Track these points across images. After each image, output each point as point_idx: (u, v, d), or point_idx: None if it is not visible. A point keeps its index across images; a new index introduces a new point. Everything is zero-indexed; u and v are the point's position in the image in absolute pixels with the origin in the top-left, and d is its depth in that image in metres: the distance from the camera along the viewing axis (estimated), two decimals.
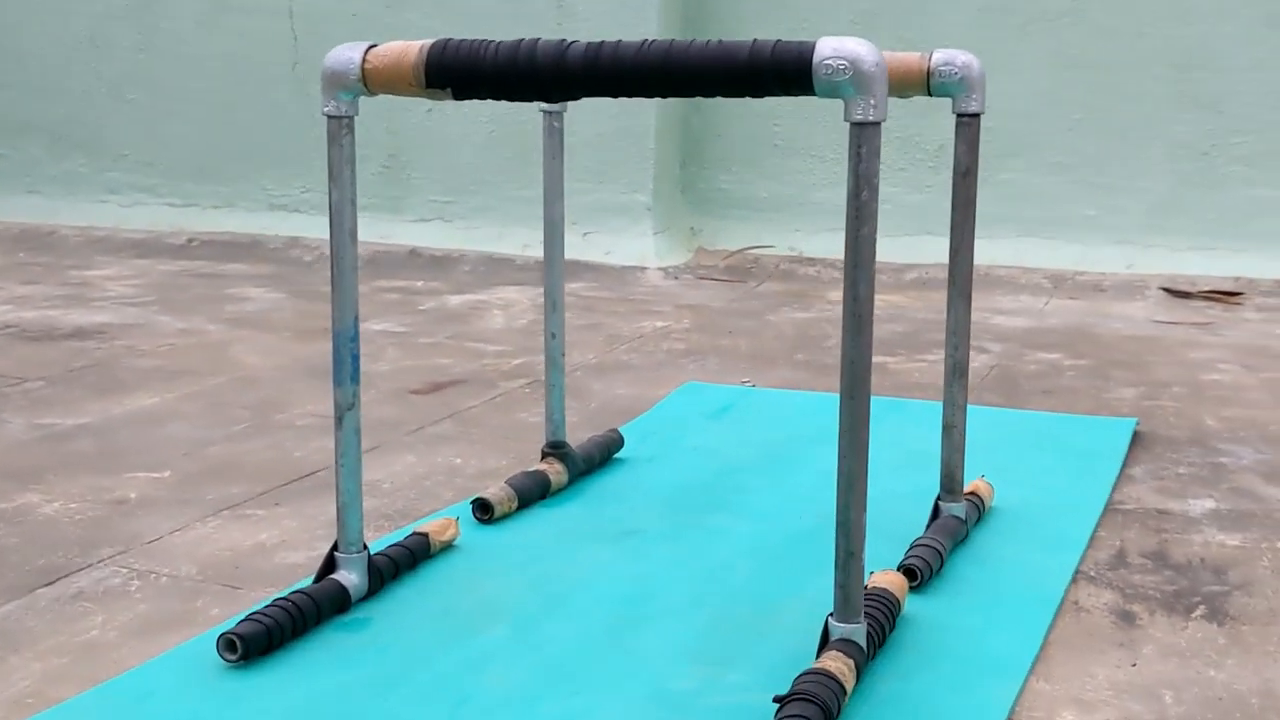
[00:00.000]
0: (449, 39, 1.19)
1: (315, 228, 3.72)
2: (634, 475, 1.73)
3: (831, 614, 1.15)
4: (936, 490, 1.51)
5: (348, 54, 1.21)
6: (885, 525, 1.54)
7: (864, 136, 1.08)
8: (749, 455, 1.83)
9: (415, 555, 1.39)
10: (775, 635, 1.25)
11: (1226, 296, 3.24)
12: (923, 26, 3.52)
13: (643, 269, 3.51)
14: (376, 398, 2.14)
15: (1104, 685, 1.17)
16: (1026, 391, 2.29)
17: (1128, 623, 1.31)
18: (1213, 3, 3.36)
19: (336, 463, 1.29)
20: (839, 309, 3.00)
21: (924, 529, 1.50)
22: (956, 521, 1.48)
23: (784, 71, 1.08)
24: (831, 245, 3.55)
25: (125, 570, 1.41)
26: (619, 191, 3.62)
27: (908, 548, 1.40)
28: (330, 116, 1.23)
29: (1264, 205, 3.39)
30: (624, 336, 2.71)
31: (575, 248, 3.52)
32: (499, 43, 1.17)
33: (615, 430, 1.81)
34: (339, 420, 1.28)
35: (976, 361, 2.50)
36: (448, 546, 1.45)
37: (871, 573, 1.31)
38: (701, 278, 3.48)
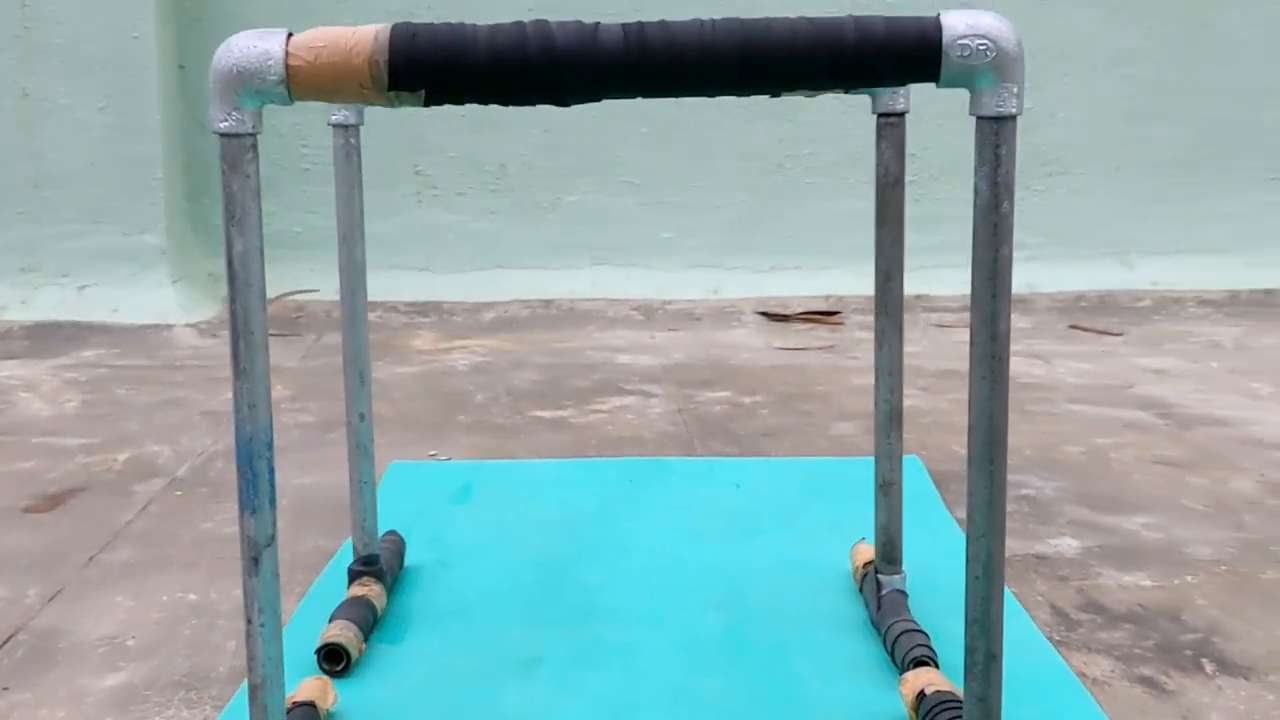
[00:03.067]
0: (409, 23, 0.95)
1: None
2: (446, 587, 1.49)
3: None
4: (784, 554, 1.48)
5: (258, 45, 0.93)
6: (803, 606, 1.43)
7: (1004, 133, 0.95)
8: (559, 544, 1.64)
9: None
10: None
11: (825, 317, 3.35)
12: None
13: (167, 327, 3.16)
14: None
15: None
16: (748, 436, 2.22)
17: (1160, 690, 1.26)
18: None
19: (251, 624, 0.99)
20: (440, 361, 2.91)
21: (866, 606, 1.40)
22: (903, 597, 1.37)
23: (905, 55, 0.94)
24: (389, 285, 3.35)
25: None
26: (121, 232, 3.23)
27: (891, 634, 1.28)
28: (229, 135, 0.95)
29: (843, 218, 3.54)
30: (220, 413, 2.40)
31: (70, 305, 3.12)
32: (492, 27, 0.94)
33: (393, 532, 1.56)
34: (254, 563, 0.98)
35: (648, 406, 2.41)
36: None
37: (906, 675, 1.18)
38: None
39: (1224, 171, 3.59)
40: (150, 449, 2.14)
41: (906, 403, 2.45)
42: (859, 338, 3.14)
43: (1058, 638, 1.38)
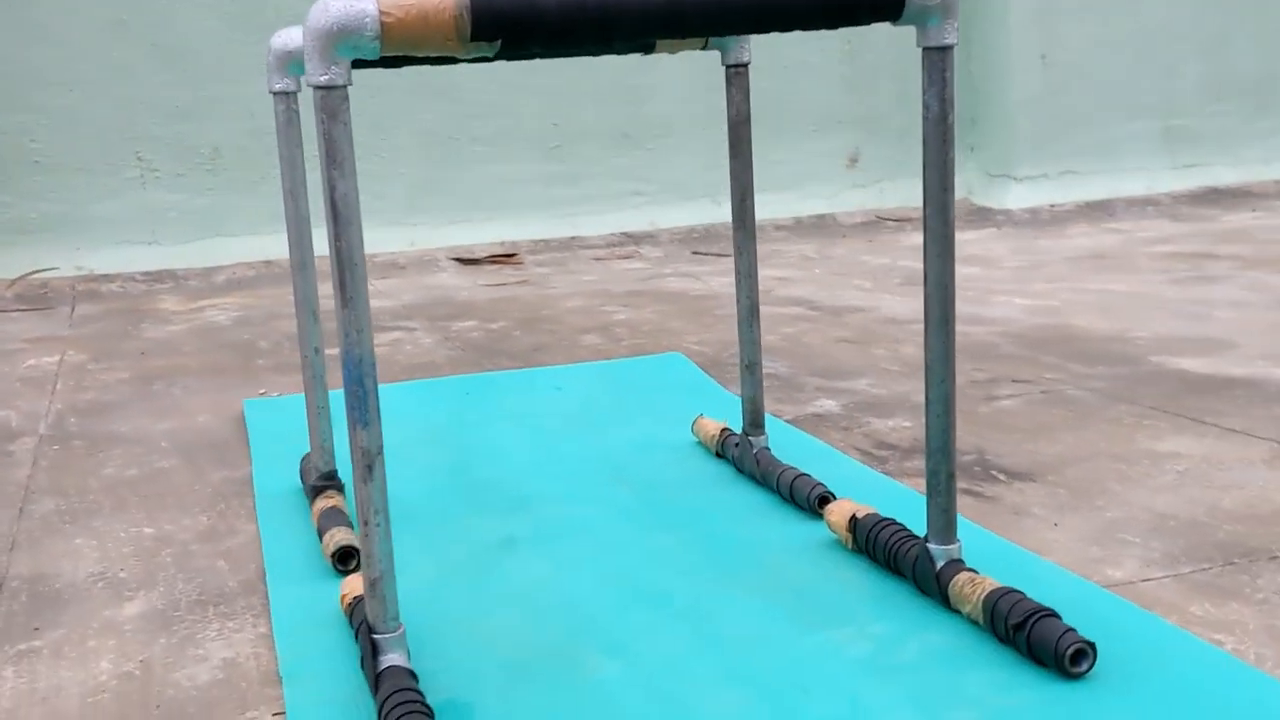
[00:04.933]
0: None
1: None
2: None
3: (928, 539, 1.04)
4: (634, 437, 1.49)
5: (355, 5, 0.83)
6: (683, 473, 1.42)
7: (947, 60, 0.97)
8: (448, 452, 1.55)
9: None
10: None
11: (507, 259, 3.30)
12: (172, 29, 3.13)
13: None
14: None
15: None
16: (521, 352, 2.17)
17: (983, 497, 1.33)
18: None
19: (369, 525, 0.89)
20: (200, 318, 2.68)
21: (735, 465, 1.40)
22: (771, 453, 1.38)
23: (877, 1, 0.93)
24: (124, 259, 3.07)
25: None
26: None
27: (785, 481, 1.29)
28: (329, 88, 0.84)
29: (506, 179, 3.49)
30: (35, 379, 2.13)
31: None
32: None
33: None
34: (369, 470, 0.89)
35: (418, 338, 2.32)
36: None
37: (829, 506, 1.20)
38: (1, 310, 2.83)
39: (778, 127, 3.75)
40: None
41: (621, 316, 2.47)
42: (542, 272, 3.12)
43: (880, 469, 1.43)
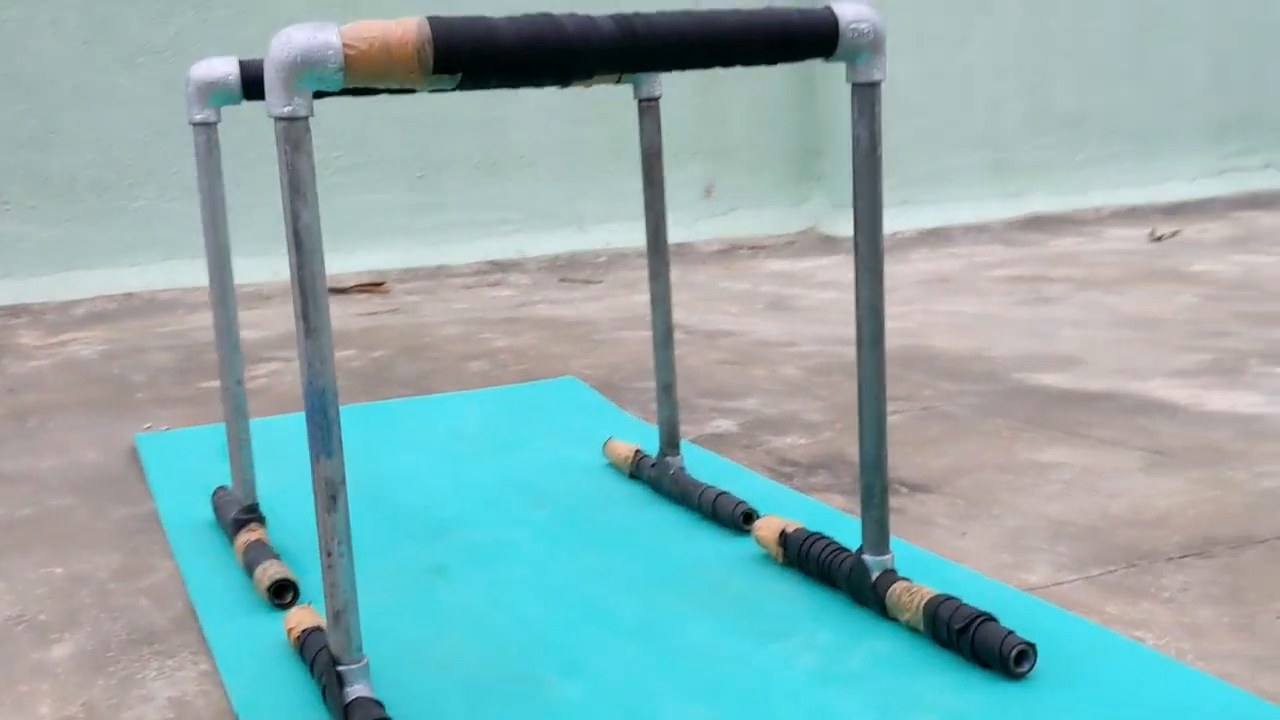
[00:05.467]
0: (441, 17, 0.86)
1: None
2: (304, 524, 1.33)
3: (863, 550, 1.06)
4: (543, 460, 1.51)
5: (317, 36, 0.81)
6: (600, 494, 1.42)
7: (875, 95, 0.99)
8: (361, 479, 1.50)
9: None
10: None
11: (374, 288, 3.25)
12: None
13: None
14: None
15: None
16: (410, 379, 2.14)
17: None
18: None
19: (332, 556, 0.87)
20: (62, 353, 2.56)
21: (652, 485, 1.41)
22: (686, 474, 1.39)
23: (814, 36, 0.96)
24: None
25: None
26: None
27: (707, 499, 1.30)
28: (291, 119, 0.82)
29: (369, 208, 3.44)
30: None
31: None
32: (512, 18, 0.87)
33: (223, 487, 1.39)
34: (332, 501, 0.86)
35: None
36: None
37: (756, 520, 1.21)
38: None
39: (635, 159, 3.78)
40: None
41: (501, 343, 2.45)
42: (413, 300, 3.08)
43: (786, 484, 1.45)
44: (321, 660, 0.93)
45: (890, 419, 1.72)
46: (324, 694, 0.90)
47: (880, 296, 1.02)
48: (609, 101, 3.69)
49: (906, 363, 2.09)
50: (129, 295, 3.09)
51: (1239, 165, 4.64)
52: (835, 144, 3.97)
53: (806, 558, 1.12)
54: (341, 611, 0.88)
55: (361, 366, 2.27)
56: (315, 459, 0.86)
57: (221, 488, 1.38)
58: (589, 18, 0.89)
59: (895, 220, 3.94)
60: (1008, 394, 1.84)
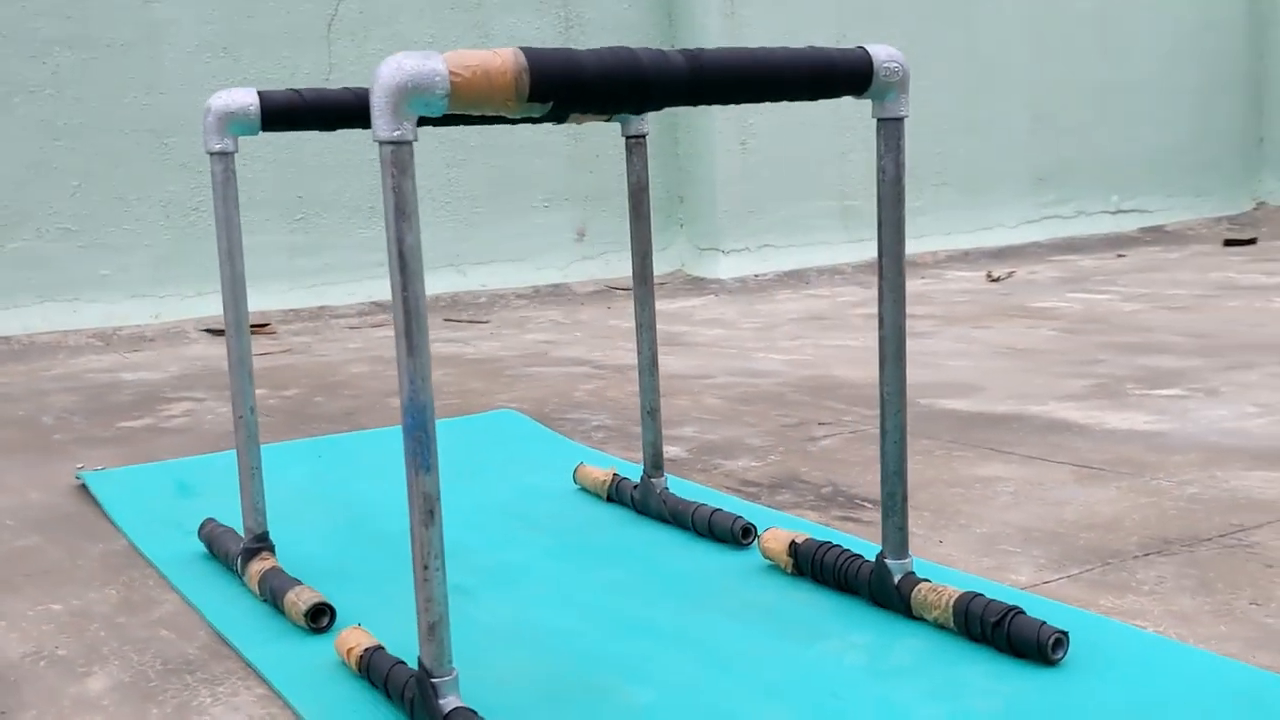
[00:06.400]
0: (532, 48, 0.88)
1: None
2: (306, 554, 1.30)
3: (884, 555, 1.10)
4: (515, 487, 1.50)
5: (425, 64, 0.82)
6: (585, 517, 1.43)
7: (900, 129, 1.05)
8: (339, 510, 1.48)
9: None
10: None
11: (259, 329, 3.17)
12: None
13: None
14: None
15: None
16: (334, 416, 2.10)
17: (860, 521, 1.41)
18: (181, 76, 3.22)
19: (428, 570, 0.86)
20: None
21: (634, 506, 1.42)
22: (671, 492, 1.42)
23: (852, 74, 1.01)
24: None
25: None
26: None
27: (702, 516, 1.32)
28: (398, 143, 0.82)
29: (246, 249, 3.35)
30: None
31: None
32: (595, 51, 0.90)
33: (211, 519, 1.35)
34: (430, 515, 0.86)
35: (212, 409, 2.21)
36: None
37: (755, 534, 1.25)
38: None
39: (511, 203, 3.80)
40: None
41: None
42: (303, 341, 3.01)
43: (757, 504, 1.49)
44: (396, 676, 0.93)
45: (825, 442, 1.79)
46: (411, 708, 0.90)
47: (903, 316, 1.07)
48: (488, 147, 3.71)
49: (817, 391, 2.16)
50: (6, 339, 2.94)
51: (1055, 213, 4.93)
52: (697, 190, 4.07)
53: (821, 566, 1.16)
54: (436, 624, 0.88)
55: (280, 404, 2.22)
56: (415, 473, 0.85)
57: (209, 520, 1.34)
58: (661, 52, 0.92)
59: (757, 264, 4.06)
60: (924, 418, 1.93)
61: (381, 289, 3.53)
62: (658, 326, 3.08)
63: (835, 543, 1.18)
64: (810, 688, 0.95)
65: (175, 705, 0.97)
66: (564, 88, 0.88)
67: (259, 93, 1.15)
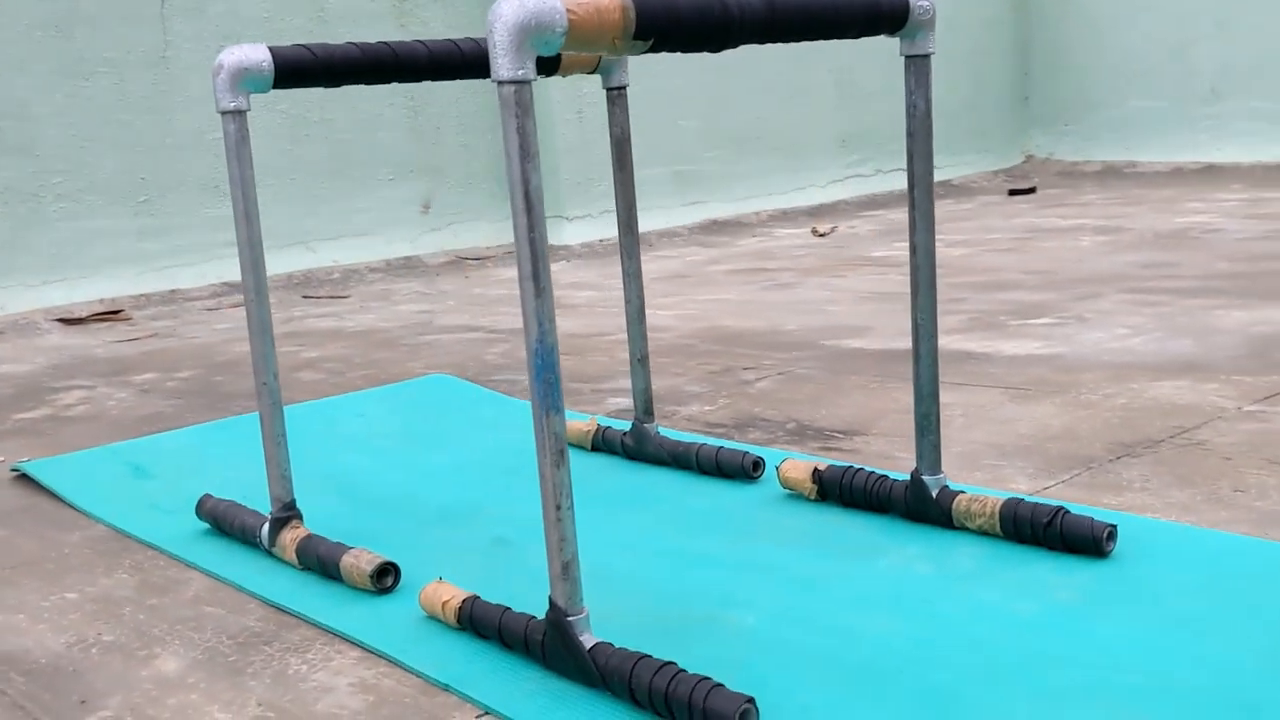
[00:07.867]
0: None
1: None
2: (328, 522, 1.23)
3: (919, 471, 1.13)
4: (492, 445, 1.43)
5: (546, 3, 0.79)
6: (581, 466, 1.41)
7: (929, 66, 1.07)
8: (335, 476, 1.40)
9: None
10: None
11: (113, 315, 2.98)
12: None
13: None
14: None
15: None
16: (293, 385, 2.00)
17: (838, 449, 1.44)
18: (10, 57, 2.97)
19: (560, 510, 0.84)
20: None
21: (623, 452, 1.41)
22: (663, 435, 1.41)
23: (892, 14, 1.03)
24: None
25: None
26: None
27: (708, 453, 1.32)
28: (520, 82, 0.79)
29: (90, 234, 3.14)
30: None
31: None
32: None
33: (209, 495, 1.27)
34: (560, 456, 0.83)
35: (132, 393, 2.07)
36: None
37: (782, 465, 1.26)
38: None
39: (355, 178, 3.68)
40: None
41: (312, 354, 2.30)
42: (167, 325, 2.85)
43: (736, 439, 1.50)
44: (510, 622, 0.90)
45: (759, 384, 1.82)
46: (543, 650, 0.87)
47: (933, 242, 1.10)
48: (328, 122, 3.58)
49: (723, 340, 2.19)
50: None
51: (857, 172, 5.12)
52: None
53: (850, 489, 1.19)
54: (569, 563, 0.85)
55: (179, 387, 2.10)
56: (545, 414, 0.83)
57: (207, 496, 1.26)
58: None
59: (600, 229, 4.06)
60: (836, 357, 1.98)
61: (232, 269, 3.37)
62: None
63: (855, 466, 1.20)
64: (900, 596, 0.97)
65: (271, 675, 0.92)
66: (663, 27, 0.86)
67: (270, 49, 1.08)
